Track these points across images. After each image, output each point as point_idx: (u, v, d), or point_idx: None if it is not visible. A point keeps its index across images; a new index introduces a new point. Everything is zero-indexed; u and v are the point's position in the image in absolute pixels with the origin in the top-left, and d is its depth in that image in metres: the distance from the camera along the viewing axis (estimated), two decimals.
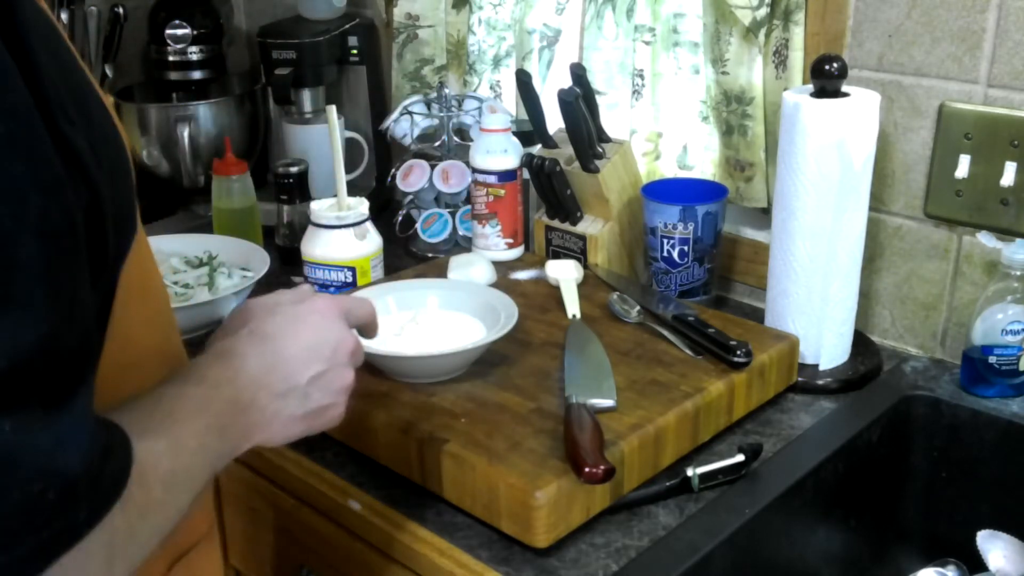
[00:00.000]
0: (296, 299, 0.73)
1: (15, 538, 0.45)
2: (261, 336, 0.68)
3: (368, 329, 0.81)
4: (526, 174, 1.32)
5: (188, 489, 0.58)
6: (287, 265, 1.43)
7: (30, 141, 0.47)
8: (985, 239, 1.07)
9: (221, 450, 0.62)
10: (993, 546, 0.99)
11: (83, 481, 0.47)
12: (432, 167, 1.44)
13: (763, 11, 1.16)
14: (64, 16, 1.61)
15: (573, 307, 1.14)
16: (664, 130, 1.35)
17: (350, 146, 1.61)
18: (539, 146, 1.31)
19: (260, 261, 1.31)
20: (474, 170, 1.31)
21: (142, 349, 0.64)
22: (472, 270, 1.21)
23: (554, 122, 1.27)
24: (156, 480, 0.54)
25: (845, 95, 1.04)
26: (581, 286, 1.19)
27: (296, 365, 0.68)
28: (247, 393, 0.65)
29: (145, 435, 0.55)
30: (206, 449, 0.60)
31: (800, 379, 1.09)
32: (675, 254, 1.21)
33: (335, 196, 1.26)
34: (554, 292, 1.19)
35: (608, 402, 0.92)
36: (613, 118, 1.36)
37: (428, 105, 1.51)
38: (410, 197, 1.47)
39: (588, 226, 1.27)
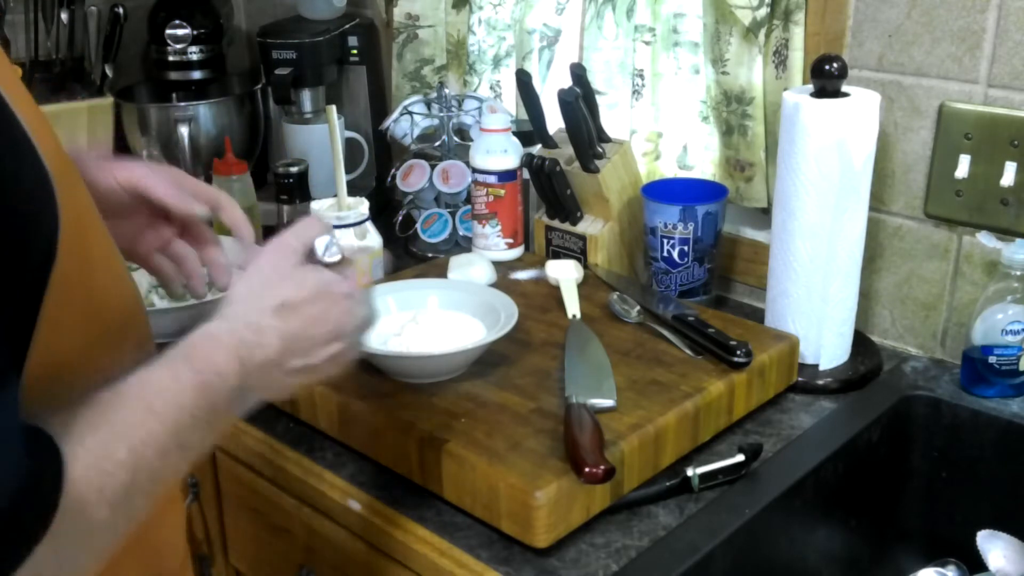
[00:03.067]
0: (321, 281, 0.71)
1: None
2: (289, 312, 0.67)
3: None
4: (526, 174, 1.32)
5: (149, 491, 0.57)
6: None
7: None
8: (985, 239, 1.07)
9: (212, 433, 0.61)
10: (993, 546, 0.99)
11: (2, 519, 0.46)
12: (432, 167, 1.44)
13: (763, 11, 1.16)
14: (64, 16, 1.61)
15: (573, 307, 1.14)
16: (664, 130, 1.35)
17: (350, 146, 1.61)
18: (539, 146, 1.31)
19: None
20: (474, 170, 1.31)
21: (109, 318, 0.63)
22: (472, 270, 1.21)
23: (554, 122, 1.27)
24: (102, 502, 0.52)
25: (845, 95, 1.04)
26: (581, 286, 1.19)
27: (315, 347, 0.68)
28: (255, 377, 0.64)
29: (101, 446, 0.53)
30: (185, 447, 0.58)
31: (800, 379, 1.09)
32: (675, 254, 1.21)
33: (335, 196, 1.26)
34: (554, 292, 1.19)
35: (608, 402, 0.92)
36: (613, 118, 1.36)
37: (428, 105, 1.51)
38: (410, 197, 1.47)
39: (588, 226, 1.27)
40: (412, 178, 1.45)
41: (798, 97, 1.04)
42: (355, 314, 0.72)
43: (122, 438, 0.54)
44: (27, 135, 0.53)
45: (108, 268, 0.65)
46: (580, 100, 1.20)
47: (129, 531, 0.56)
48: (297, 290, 0.68)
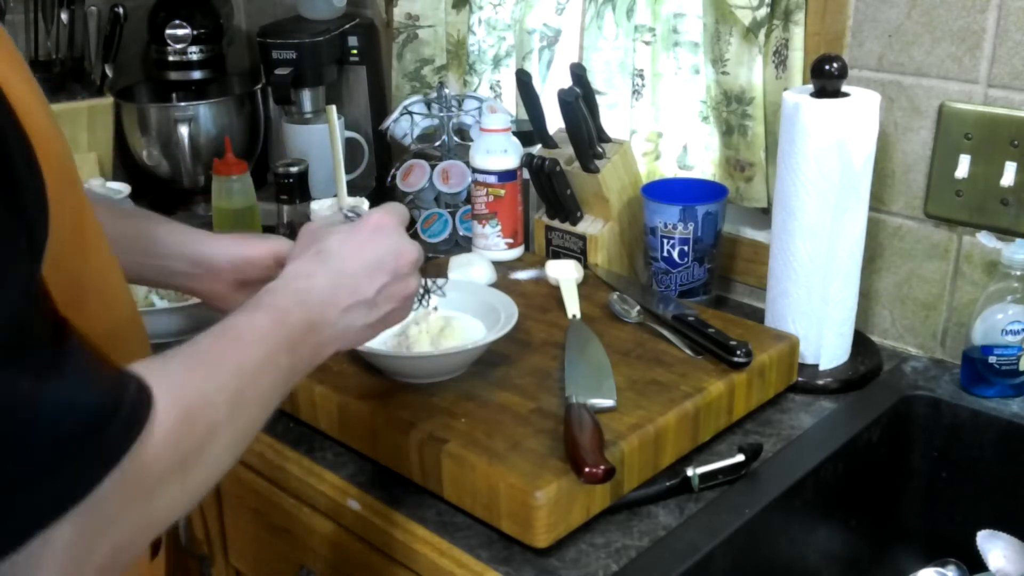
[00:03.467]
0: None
1: (43, 477, 0.48)
2: (326, 256, 0.74)
3: None
4: (526, 174, 1.32)
5: (260, 404, 0.63)
6: None
7: None
8: (985, 239, 1.07)
9: (295, 366, 0.68)
10: (993, 546, 0.99)
11: (103, 417, 0.50)
12: (432, 167, 1.44)
13: (763, 11, 1.16)
14: (64, 16, 1.61)
15: (573, 307, 1.14)
16: (664, 130, 1.35)
17: (350, 146, 1.61)
18: (539, 146, 1.31)
19: None
20: (474, 170, 1.31)
21: (103, 323, 0.65)
22: (472, 270, 1.21)
23: (554, 122, 1.27)
24: (220, 401, 0.59)
25: (845, 95, 1.04)
26: (581, 286, 1.19)
27: (361, 280, 0.74)
28: (317, 312, 0.70)
29: (208, 363, 0.60)
30: (278, 368, 0.65)
31: (800, 379, 1.09)
32: (675, 254, 1.21)
33: (335, 196, 1.26)
34: (554, 292, 1.19)
35: (608, 402, 0.92)
36: (613, 118, 1.36)
37: (428, 105, 1.51)
38: (410, 197, 1.47)
39: (588, 226, 1.27)
40: (412, 178, 1.45)
41: (798, 97, 1.04)
42: (388, 244, 0.76)
43: (218, 361, 0.61)
44: (27, 141, 0.53)
45: (103, 286, 0.66)
46: (580, 100, 1.20)
47: (248, 434, 0.63)
48: (329, 238, 0.76)
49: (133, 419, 0.52)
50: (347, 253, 0.75)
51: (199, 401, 0.57)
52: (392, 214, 0.79)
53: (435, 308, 1.02)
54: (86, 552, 0.50)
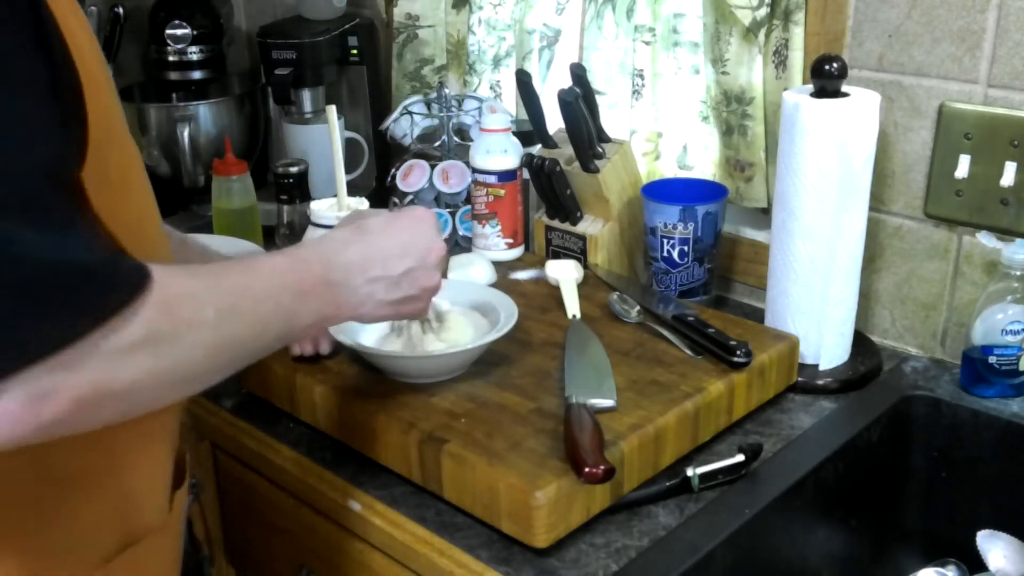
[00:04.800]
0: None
1: (33, 321, 0.52)
2: (365, 231, 0.81)
3: None
4: (526, 174, 1.32)
5: (251, 326, 0.67)
6: None
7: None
8: (985, 239, 1.07)
9: (300, 311, 0.71)
10: (993, 546, 0.99)
11: (101, 271, 0.55)
12: (432, 167, 1.44)
13: (763, 11, 1.16)
14: None
15: (573, 307, 1.14)
16: (664, 130, 1.35)
17: (350, 146, 1.61)
18: (539, 146, 1.31)
19: None
20: (474, 170, 1.31)
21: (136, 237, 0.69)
22: (472, 270, 1.21)
23: (554, 122, 1.27)
24: (209, 305, 0.62)
25: (845, 95, 1.04)
26: (581, 286, 1.19)
27: (391, 258, 0.80)
28: (339, 273, 0.76)
29: (210, 275, 0.65)
30: (280, 304, 0.69)
31: (800, 379, 1.09)
32: (675, 254, 1.21)
33: (335, 196, 1.26)
34: (554, 292, 1.19)
35: (608, 402, 0.92)
36: (613, 118, 1.36)
37: (428, 105, 1.51)
38: (410, 197, 1.47)
39: (588, 226, 1.28)
40: (412, 178, 1.45)
41: (798, 97, 1.04)
42: (423, 234, 0.83)
43: (223, 277, 0.66)
44: (76, 73, 0.60)
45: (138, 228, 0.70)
46: (580, 100, 1.20)
47: (234, 353, 0.66)
48: (372, 218, 0.83)
49: (122, 286, 0.56)
50: (385, 231, 0.81)
51: (185, 295, 0.61)
52: (434, 216, 0.86)
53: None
54: (47, 391, 0.53)
